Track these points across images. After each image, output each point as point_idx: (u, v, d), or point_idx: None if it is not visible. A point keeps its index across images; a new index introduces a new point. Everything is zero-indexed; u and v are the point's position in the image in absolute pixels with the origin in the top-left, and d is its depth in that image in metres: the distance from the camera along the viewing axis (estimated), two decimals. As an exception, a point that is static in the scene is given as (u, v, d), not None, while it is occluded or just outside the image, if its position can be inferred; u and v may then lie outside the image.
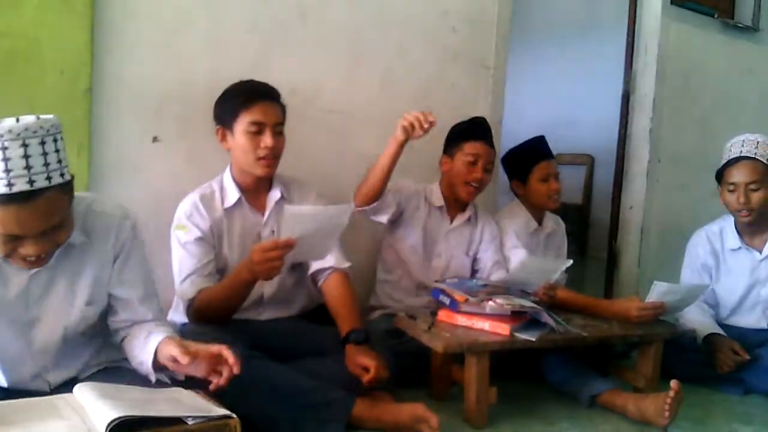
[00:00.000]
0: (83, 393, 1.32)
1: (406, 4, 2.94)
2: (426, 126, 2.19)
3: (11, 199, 1.30)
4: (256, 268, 1.86)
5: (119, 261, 1.62)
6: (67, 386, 1.54)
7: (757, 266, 2.72)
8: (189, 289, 2.04)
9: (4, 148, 1.29)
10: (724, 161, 2.66)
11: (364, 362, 1.94)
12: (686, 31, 3.79)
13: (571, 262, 2.33)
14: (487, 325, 2.13)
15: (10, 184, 1.29)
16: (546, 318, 2.16)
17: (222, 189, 2.19)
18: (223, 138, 2.15)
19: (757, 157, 2.58)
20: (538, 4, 5.48)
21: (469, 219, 2.69)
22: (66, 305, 1.57)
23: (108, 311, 1.67)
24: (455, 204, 2.67)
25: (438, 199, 2.65)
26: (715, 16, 3.91)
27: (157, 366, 1.53)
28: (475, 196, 2.63)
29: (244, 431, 1.31)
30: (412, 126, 2.19)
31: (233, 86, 2.16)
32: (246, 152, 2.10)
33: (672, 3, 3.69)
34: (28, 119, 1.33)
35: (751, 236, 2.75)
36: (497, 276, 2.55)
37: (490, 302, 2.13)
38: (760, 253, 2.72)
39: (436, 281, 2.41)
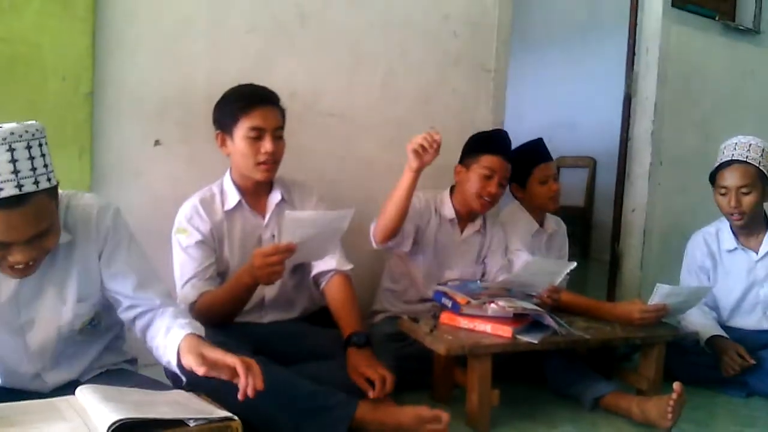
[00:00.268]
0: (85, 395, 1.32)
1: (406, 7, 2.94)
2: (435, 146, 2.17)
3: (0, 204, 1.29)
4: (257, 272, 1.86)
5: (105, 254, 1.59)
6: (67, 388, 1.54)
7: (754, 267, 2.72)
8: (190, 292, 2.04)
9: None
10: (717, 164, 2.67)
11: (367, 373, 1.92)
12: (687, 33, 3.79)
13: (575, 264, 2.32)
14: (489, 327, 2.12)
15: None
16: (548, 320, 2.15)
17: (222, 192, 2.19)
18: (223, 143, 2.15)
19: (748, 160, 2.57)
20: (539, 7, 5.50)
21: (479, 229, 2.67)
22: (58, 305, 1.57)
23: (114, 306, 1.65)
24: (466, 215, 2.64)
25: (449, 212, 2.61)
26: (717, 18, 3.90)
27: (183, 368, 1.50)
28: (489, 209, 2.59)
29: (245, 434, 1.31)
30: (423, 147, 2.17)
31: (232, 90, 2.16)
32: (246, 157, 2.10)
33: (673, 5, 3.69)
34: (12, 125, 1.32)
35: (747, 237, 2.75)
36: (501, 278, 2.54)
37: (492, 305, 2.13)
38: (756, 253, 2.72)
39: (439, 284, 2.40)
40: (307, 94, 2.71)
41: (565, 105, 5.36)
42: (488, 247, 2.69)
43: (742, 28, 4.03)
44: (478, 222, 2.66)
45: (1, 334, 1.54)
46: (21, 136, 1.32)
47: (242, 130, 2.08)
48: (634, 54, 3.70)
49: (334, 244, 2.05)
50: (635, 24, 3.69)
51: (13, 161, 1.30)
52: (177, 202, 2.19)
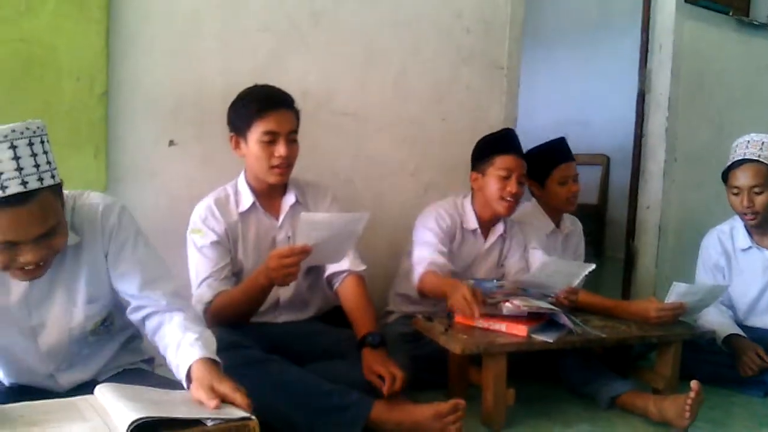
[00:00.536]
0: (104, 394, 1.32)
1: (419, 5, 2.93)
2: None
3: (6, 202, 1.29)
4: (273, 274, 1.86)
5: (111, 253, 1.56)
6: (83, 388, 1.55)
7: None
8: (206, 292, 2.05)
9: None
10: (729, 162, 2.64)
11: (380, 371, 1.92)
12: (701, 29, 3.76)
13: (594, 266, 2.30)
14: (504, 326, 2.12)
15: (3, 187, 1.28)
16: (564, 319, 2.14)
17: (237, 193, 2.20)
18: (237, 145, 2.15)
19: (761, 159, 2.55)
20: (551, 4, 5.47)
21: (502, 233, 2.64)
22: (68, 307, 1.56)
23: (123, 307, 1.63)
24: (488, 222, 2.61)
25: (472, 223, 2.58)
26: (730, 13, 3.88)
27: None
28: (514, 209, 2.54)
29: (262, 434, 1.31)
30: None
31: (247, 92, 2.15)
32: (259, 161, 2.10)
33: (686, 1, 3.66)
34: (13, 123, 1.32)
35: (761, 236, 2.73)
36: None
37: (507, 303, 2.12)
38: None
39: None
40: (319, 92, 2.71)
41: (578, 102, 5.33)
42: (508, 249, 2.67)
43: (756, 23, 4.00)
44: (500, 226, 2.64)
45: (14, 336, 1.54)
46: (22, 133, 1.32)
47: (256, 134, 2.08)
48: (647, 50, 3.69)
49: (350, 246, 2.05)
50: (648, 20, 3.67)
51: (16, 158, 1.30)
52: (192, 202, 2.19)
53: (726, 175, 2.66)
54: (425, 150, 3.00)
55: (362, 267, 2.23)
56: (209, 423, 1.25)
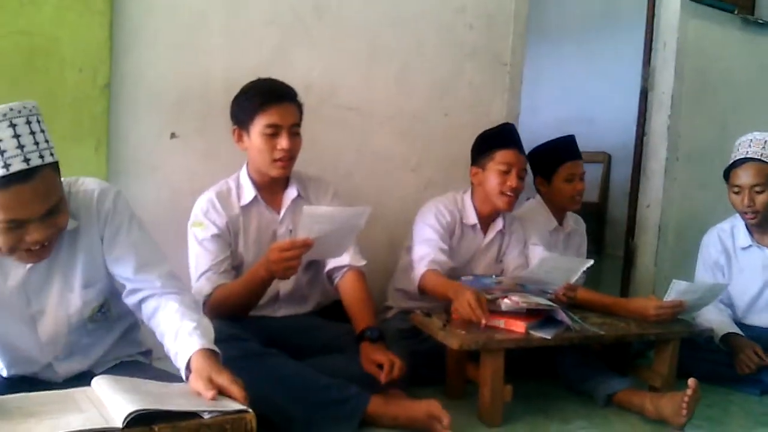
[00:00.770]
0: (101, 386, 1.33)
1: (422, 1, 2.93)
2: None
3: (10, 180, 1.31)
4: (273, 267, 1.87)
5: (107, 237, 1.58)
6: (80, 379, 1.56)
7: None
8: (205, 285, 2.05)
9: None
10: (731, 161, 2.64)
11: (379, 359, 1.94)
12: (705, 27, 3.76)
13: (592, 262, 2.30)
14: (502, 322, 2.12)
15: (6, 165, 1.30)
16: (562, 316, 2.15)
17: (239, 186, 2.20)
18: (240, 138, 2.16)
19: (762, 158, 2.55)
20: (555, 0, 5.45)
21: (501, 229, 2.64)
22: (65, 293, 1.57)
23: (119, 293, 1.64)
24: (488, 217, 2.61)
25: (472, 218, 2.58)
26: (735, 12, 3.87)
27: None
28: (514, 204, 2.54)
29: (259, 427, 1.31)
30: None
31: (249, 86, 2.16)
32: (262, 153, 2.10)
33: (691, -1, 3.66)
34: (9, 104, 1.34)
35: (762, 234, 2.73)
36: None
37: (506, 300, 2.13)
38: None
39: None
40: (323, 87, 2.71)
41: (580, 99, 5.32)
42: (507, 245, 2.67)
43: (761, 21, 3.98)
44: (500, 222, 2.64)
45: (13, 324, 1.55)
46: (20, 111, 1.35)
47: (259, 126, 2.08)
48: (650, 48, 3.68)
49: (351, 241, 2.05)
50: (652, 18, 3.66)
51: (17, 136, 1.32)
52: (193, 195, 2.20)
53: (727, 174, 2.67)
54: (427, 145, 3.00)
55: (363, 262, 2.24)
56: (206, 416, 1.25)
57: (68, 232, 1.53)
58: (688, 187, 3.77)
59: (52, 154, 1.39)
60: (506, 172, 2.47)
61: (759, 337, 2.58)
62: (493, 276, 2.44)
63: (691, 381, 2.02)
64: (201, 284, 2.06)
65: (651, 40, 3.67)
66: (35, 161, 1.34)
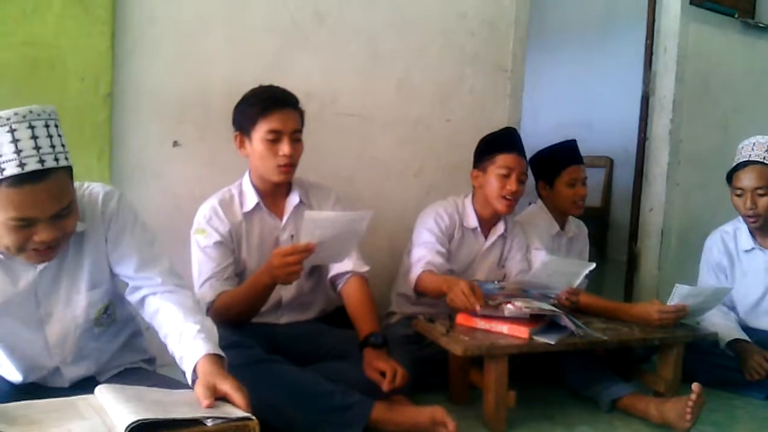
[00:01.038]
0: (104, 394, 1.33)
1: (423, 6, 2.94)
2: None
3: (24, 179, 1.33)
4: (276, 272, 1.87)
5: (111, 237, 1.61)
6: (85, 385, 1.57)
7: None
8: (208, 292, 2.06)
9: (13, 131, 1.34)
10: (733, 164, 2.65)
11: (381, 367, 1.93)
12: (706, 31, 3.76)
13: (594, 265, 2.30)
14: (505, 328, 2.12)
15: (22, 164, 1.33)
16: (565, 321, 2.14)
17: (241, 193, 2.21)
18: (241, 145, 2.17)
19: (765, 161, 2.56)
20: (556, 6, 5.45)
21: (502, 233, 2.64)
22: (72, 295, 1.60)
23: (122, 296, 1.67)
24: (489, 220, 2.62)
25: (472, 221, 2.59)
26: (736, 15, 3.86)
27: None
28: (513, 208, 2.55)
29: (262, 434, 1.32)
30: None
31: (251, 93, 2.17)
32: (264, 159, 2.11)
33: (691, 3, 3.66)
34: (30, 106, 1.38)
35: (764, 237, 2.73)
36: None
37: (509, 305, 2.12)
38: None
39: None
40: (323, 93, 2.71)
41: (581, 104, 5.30)
42: (509, 250, 2.67)
43: (761, 25, 3.98)
44: (501, 226, 2.64)
45: (22, 330, 1.57)
46: (39, 114, 1.39)
47: (260, 132, 2.09)
48: (651, 52, 3.69)
49: (353, 245, 2.06)
50: (653, 22, 3.67)
51: (34, 137, 1.36)
52: (196, 203, 2.20)
53: (730, 177, 2.67)
54: (429, 151, 3.00)
55: (366, 268, 2.24)
56: (209, 423, 1.25)
57: (76, 235, 1.55)
58: (691, 191, 3.77)
59: (66, 159, 1.42)
60: (506, 176, 2.48)
61: (763, 340, 2.58)
62: (496, 282, 2.43)
63: (695, 386, 2.01)
64: (204, 291, 2.06)
65: (652, 45, 3.68)
66: (50, 163, 1.37)
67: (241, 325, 2.03)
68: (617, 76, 4.85)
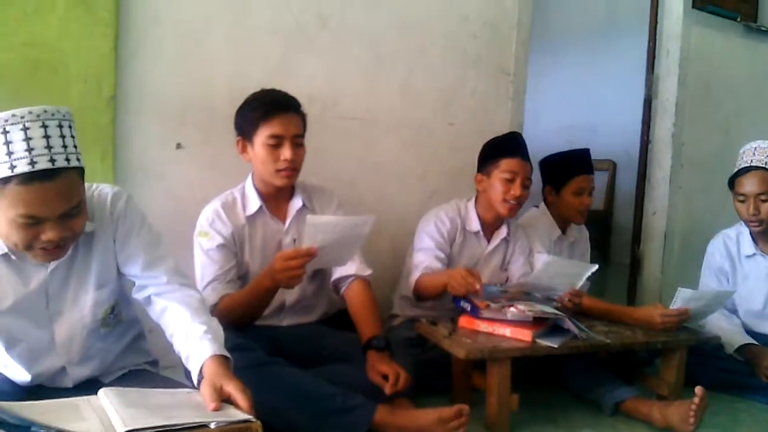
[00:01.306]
0: (107, 397, 1.33)
1: (426, 9, 2.94)
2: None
3: (34, 177, 1.34)
4: (278, 276, 1.87)
5: (119, 238, 1.63)
6: (88, 386, 1.57)
7: None
8: (211, 295, 2.05)
9: (26, 129, 1.35)
10: (736, 169, 2.64)
11: (384, 370, 1.93)
12: (708, 34, 3.76)
13: (596, 267, 2.30)
14: (508, 331, 2.12)
15: (32, 162, 1.34)
16: (568, 324, 2.14)
17: (244, 197, 2.21)
18: (243, 149, 2.17)
19: (767, 167, 2.55)
20: (558, 8, 5.46)
21: (505, 236, 2.63)
22: (80, 294, 1.61)
23: (128, 296, 1.69)
24: (491, 224, 2.61)
25: (475, 225, 2.58)
26: (738, 19, 3.86)
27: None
28: (516, 212, 2.54)
29: (265, 437, 1.31)
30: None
31: (253, 97, 2.17)
32: (265, 164, 2.11)
33: (693, 6, 3.65)
34: (44, 105, 1.39)
35: (766, 243, 2.72)
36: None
37: (512, 308, 2.12)
38: None
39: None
40: (326, 96, 2.72)
41: (584, 107, 5.31)
42: (512, 254, 2.66)
43: (764, 29, 3.98)
44: (504, 229, 2.63)
45: (31, 329, 1.58)
46: (53, 114, 1.40)
47: (262, 137, 2.09)
48: (654, 56, 3.68)
49: (355, 249, 2.05)
50: (655, 25, 3.67)
51: (47, 137, 1.37)
52: (199, 205, 2.20)
53: (732, 182, 2.66)
54: (432, 154, 3.01)
55: (369, 271, 2.24)
56: (212, 425, 1.25)
57: (85, 235, 1.57)
58: (693, 194, 3.77)
59: (78, 160, 1.43)
60: (510, 181, 2.47)
61: (765, 345, 2.57)
62: (499, 285, 2.43)
63: (698, 389, 2.01)
64: (207, 294, 2.05)
65: (654, 48, 3.68)
66: (60, 163, 1.37)
67: (244, 327, 2.02)
68: (620, 79, 4.85)
